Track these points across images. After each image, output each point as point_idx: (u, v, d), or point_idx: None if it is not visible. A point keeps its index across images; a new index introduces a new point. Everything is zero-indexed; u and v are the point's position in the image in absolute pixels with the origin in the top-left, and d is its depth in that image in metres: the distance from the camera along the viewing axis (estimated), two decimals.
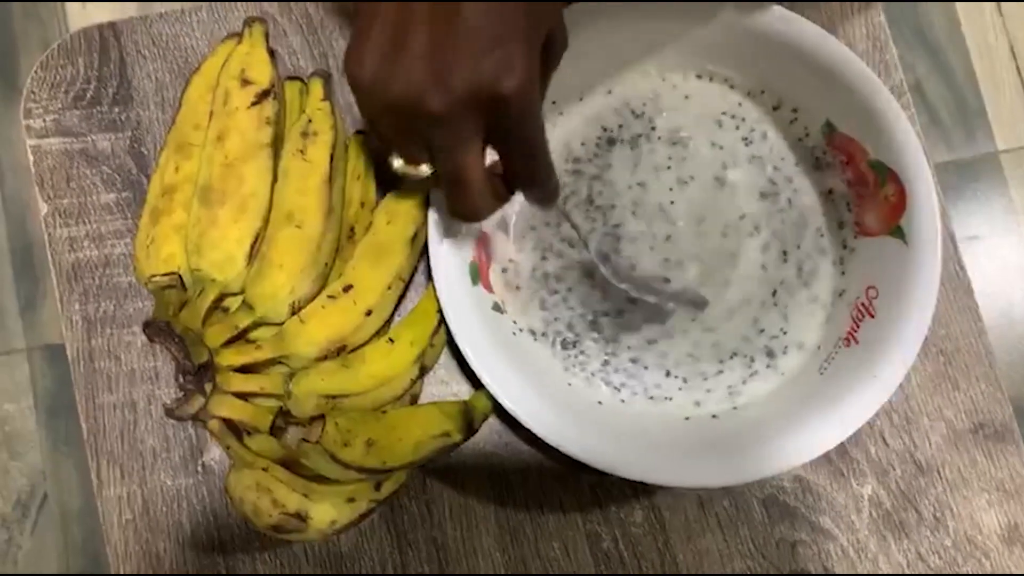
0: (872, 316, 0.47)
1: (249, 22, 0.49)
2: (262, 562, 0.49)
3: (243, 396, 0.44)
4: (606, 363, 0.50)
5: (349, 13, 0.53)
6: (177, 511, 0.49)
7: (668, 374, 0.49)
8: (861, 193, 0.49)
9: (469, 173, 0.37)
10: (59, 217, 0.52)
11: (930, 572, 0.50)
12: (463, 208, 0.39)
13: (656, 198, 0.51)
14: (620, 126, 0.51)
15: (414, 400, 0.49)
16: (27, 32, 1.10)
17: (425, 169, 0.39)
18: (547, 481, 0.50)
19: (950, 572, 0.50)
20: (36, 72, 0.53)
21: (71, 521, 1.01)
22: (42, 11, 1.11)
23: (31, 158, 0.52)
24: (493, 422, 0.50)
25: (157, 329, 0.42)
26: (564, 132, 0.51)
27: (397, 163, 0.39)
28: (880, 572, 0.50)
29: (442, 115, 0.34)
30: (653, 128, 0.51)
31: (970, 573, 0.50)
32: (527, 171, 0.38)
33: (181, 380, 0.43)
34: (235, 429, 0.44)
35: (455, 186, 0.38)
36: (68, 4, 1.11)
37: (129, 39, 0.53)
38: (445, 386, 0.51)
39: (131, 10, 1.11)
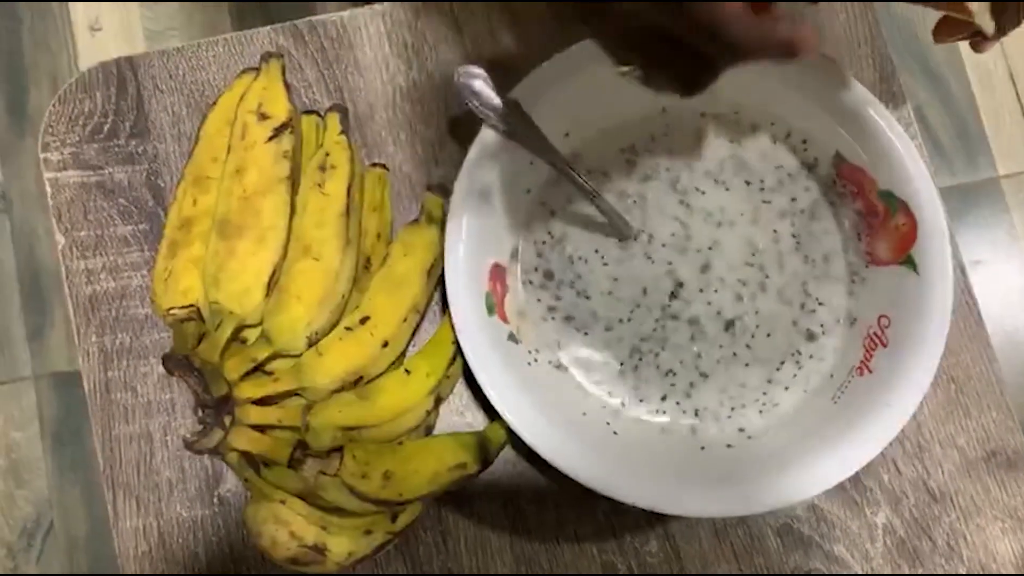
0: (885, 345, 0.48)
1: (266, 57, 0.50)
2: None
3: (261, 428, 0.44)
4: (621, 393, 0.50)
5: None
6: (193, 543, 0.49)
7: (684, 402, 0.50)
8: (871, 223, 0.50)
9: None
10: (76, 249, 0.52)
11: None
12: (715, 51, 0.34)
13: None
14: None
15: (429, 431, 0.49)
16: (37, 64, 1.11)
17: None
18: (562, 511, 0.50)
19: None
20: (54, 106, 0.53)
21: (77, 549, 1.01)
22: (52, 43, 1.12)
23: (48, 191, 0.53)
24: (508, 453, 0.51)
25: (176, 363, 0.43)
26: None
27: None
28: None
29: None
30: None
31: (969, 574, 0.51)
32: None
33: (200, 414, 0.43)
34: (253, 462, 0.44)
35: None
36: (78, 36, 1.12)
37: (146, 73, 0.54)
38: (460, 416, 0.51)
39: (139, 39, 1.12)
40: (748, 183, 0.52)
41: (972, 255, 1.07)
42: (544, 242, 0.51)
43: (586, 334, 0.50)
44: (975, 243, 1.08)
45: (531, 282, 0.51)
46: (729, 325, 0.50)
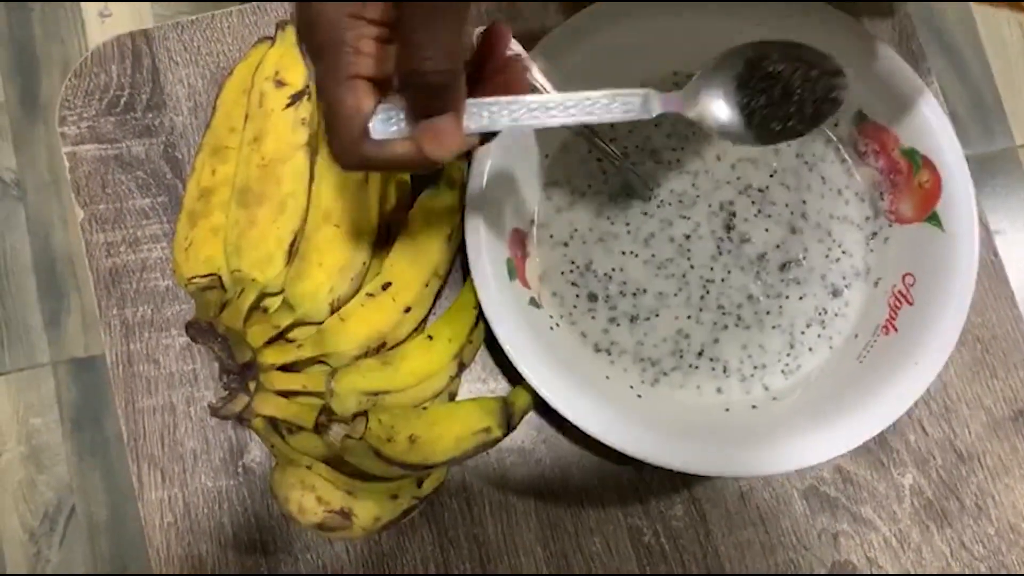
0: (910, 303, 0.47)
1: (281, 24, 0.49)
2: (304, 563, 0.49)
3: (286, 395, 0.44)
4: (642, 356, 0.49)
5: None
6: (219, 513, 0.49)
7: (706, 364, 0.49)
8: (895, 181, 0.49)
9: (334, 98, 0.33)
10: (95, 223, 0.52)
11: (975, 560, 0.50)
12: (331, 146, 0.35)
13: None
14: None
15: (452, 397, 0.49)
16: (49, 53, 1.11)
17: None
18: (587, 476, 0.50)
19: (994, 560, 0.50)
20: (70, 80, 0.53)
21: (99, 533, 1.02)
22: (62, 32, 1.12)
23: (67, 164, 0.53)
24: (532, 418, 0.50)
25: (200, 330, 0.43)
26: None
27: None
28: (923, 561, 0.50)
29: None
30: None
31: (984, 574, 0.50)
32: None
33: (224, 379, 0.43)
34: (278, 427, 0.44)
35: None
36: (88, 23, 1.12)
37: (161, 45, 0.54)
38: (483, 383, 0.51)
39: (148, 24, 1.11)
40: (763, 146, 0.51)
41: (991, 225, 1.06)
42: (562, 208, 0.51)
43: (607, 297, 0.50)
44: (994, 213, 1.07)
45: (551, 247, 0.51)
46: (751, 293, 0.50)
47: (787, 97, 0.41)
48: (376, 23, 0.32)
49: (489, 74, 0.36)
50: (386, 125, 0.33)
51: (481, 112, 0.35)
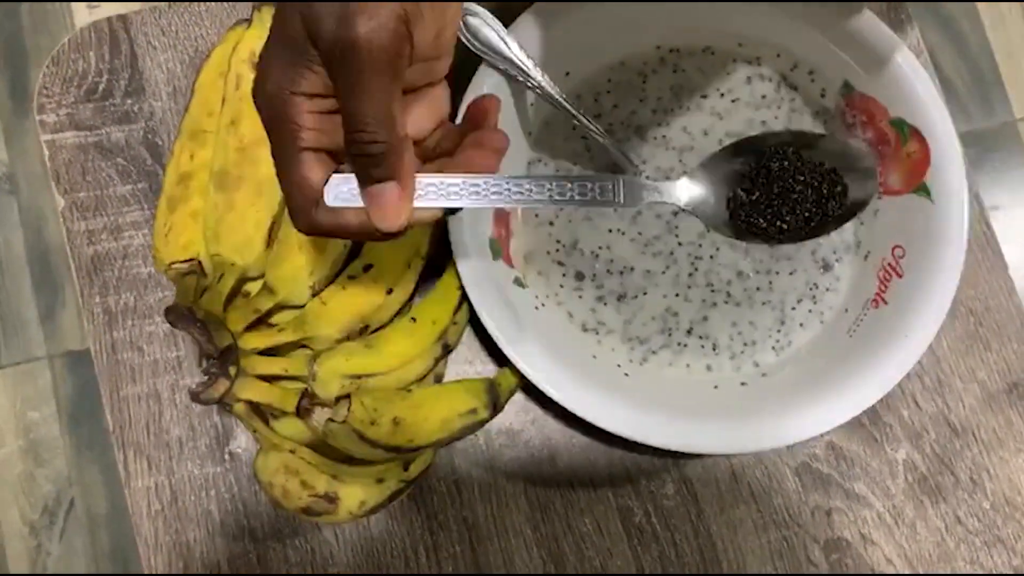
0: (900, 276, 0.47)
1: (257, 6, 0.49)
2: (293, 548, 0.49)
3: (268, 379, 0.44)
4: (630, 335, 0.49)
5: None
6: (206, 500, 0.49)
7: (694, 341, 0.49)
8: (883, 152, 0.48)
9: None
10: (76, 211, 0.51)
11: (970, 534, 0.49)
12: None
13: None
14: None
15: (439, 380, 0.49)
16: (38, 45, 1.11)
17: None
18: (576, 457, 0.50)
19: (989, 534, 0.49)
20: (48, 67, 0.53)
21: (99, 525, 1.02)
22: (51, 24, 1.11)
23: (46, 152, 0.52)
24: (519, 399, 0.50)
25: (179, 315, 0.42)
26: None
27: None
28: (918, 536, 0.49)
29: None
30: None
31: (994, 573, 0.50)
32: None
33: (205, 365, 0.42)
34: (260, 412, 0.44)
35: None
36: (76, 14, 1.11)
37: (139, 31, 0.53)
38: (469, 365, 0.50)
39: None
40: (751, 118, 0.50)
41: (990, 200, 1.05)
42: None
43: (594, 276, 0.49)
44: (993, 189, 1.06)
45: (536, 226, 0.50)
46: (740, 269, 0.49)
47: (784, 196, 0.41)
48: (317, 96, 0.32)
49: (466, 146, 0.36)
50: (341, 193, 0.33)
51: (439, 190, 0.34)
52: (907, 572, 0.49)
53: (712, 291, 0.49)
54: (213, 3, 0.53)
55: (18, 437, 1.03)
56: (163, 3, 0.53)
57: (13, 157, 1.09)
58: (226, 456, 0.49)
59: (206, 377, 0.42)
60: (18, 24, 1.11)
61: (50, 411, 1.04)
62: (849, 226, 0.50)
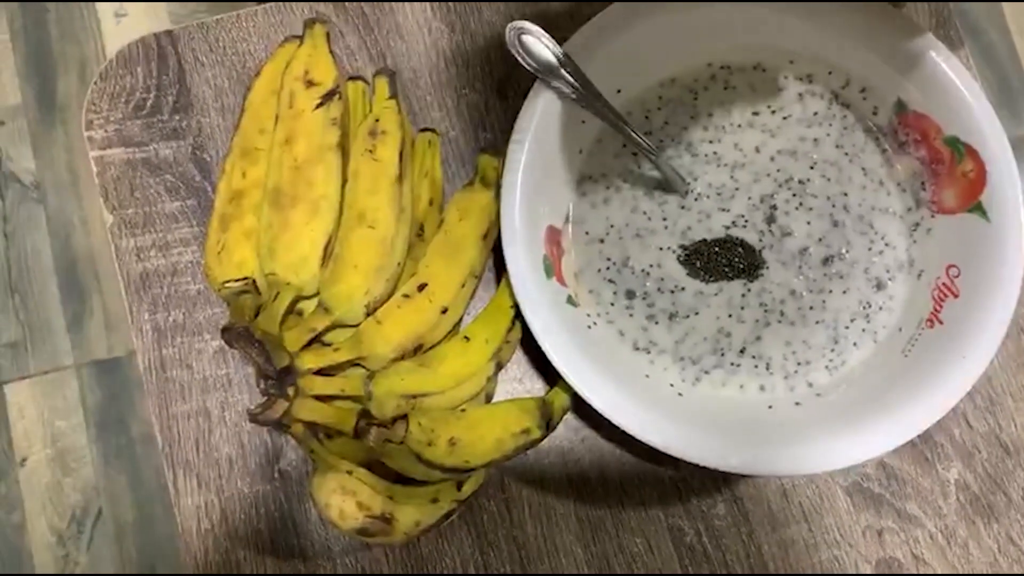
0: (956, 296, 0.46)
1: (309, 23, 0.49)
2: (343, 567, 0.48)
3: (324, 399, 0.43)
4: (682, 354, 0.49)
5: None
6: (256, 519, 0.49)
7: (748, 362, 0.49)
8: (936, 171, 0.48)
9: None
10: (125, 227, 0.51)
11: (1022, 556, 0.49)
12: None
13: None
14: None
15: (489, 399, 0.49)
16: (65, 54, 1.11)
17: None
18: (627, 476, 0.49)
19: None
20: (96, 83, 0.53)
21: (126, 535, 1.02)
22: (79, 32, 1.11)
23: (94, 169, 0.52)
24: (570, 419, 0.50)
25: (236, 334, 0.42)
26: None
27: None
28: (970, 557, 0.49)
29: None
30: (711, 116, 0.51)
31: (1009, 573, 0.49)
32: None
33: (263, 385, 0.42)
34: (316, 432, 0.44)
35: None
36: (104, 23, 1.12)
37: (186, 46, 0.53)
38: (520, 384, 0.50)
39: (164, 24, 1.11)
40: (803, 138, 0.50)
41: None
42: (597, 203, 0.50)
43: (645, 294, 0.49)
44: None
45: (587, 243, 0.50)
46: (793, 288, 0.49)
47: None
48: None
49: None
50: None
51: None
52: None
53: (765, 311, 0.49)
54: (261, 20, 0.53)
55: (46, 446, 1.03)
56: (209, 19, 0.53)
57: (41, 166, 1.09)
58: (276, 474, 0.49)
59: (264, 398, 0.42)
60: (46, 33, 1.11)
61: (77, 420, 1.04)
62: (902, 243, 0.49)
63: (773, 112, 0.51)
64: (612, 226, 0.50)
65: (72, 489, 1.02)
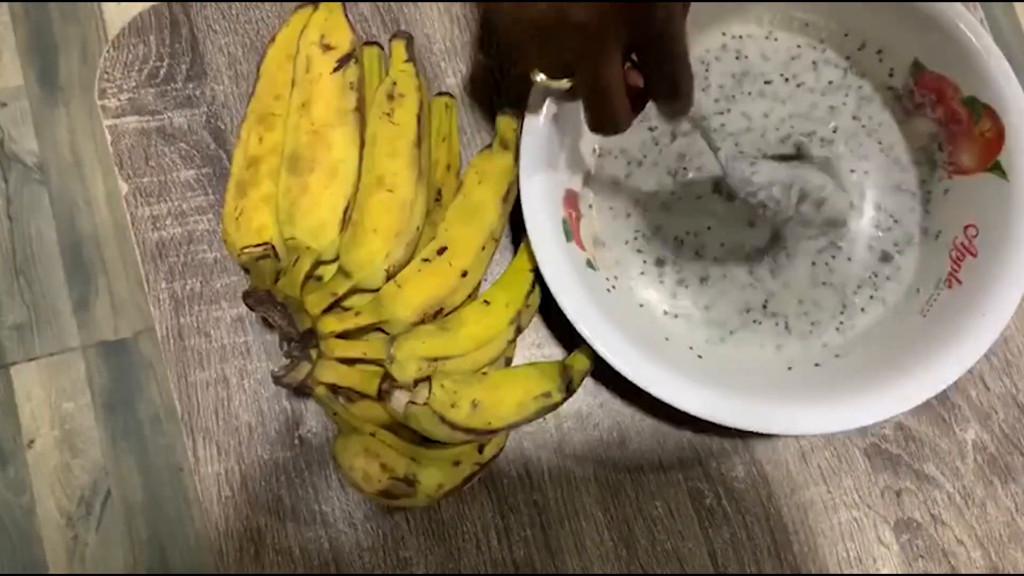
0: (974, 255, 0.46)
1: None
2: (364, 532, 0.48)
3: (347, 362, 0.43)
4: (712, 318, 0.49)
5: None
6: (276, 485, 0.49)
7: (772, 318, 0.49)
8: (953, 132, 0.48)
9: (611, 83, 0.37)
10: (140, 196, 0.51)
11: None
12: (604, 119, 0.39)
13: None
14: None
15: (508, 363, 0.49)
16: (67, 35, 1.10)
17: (566, 82, 0.39)
18: (645, 440, 0.50)
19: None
20: (108, 52, 0.52)
21: (135, 515, 1.02)
22: (80, 12, 1.11)
23: (108, 138, 0.52)
24: (588, 383, 0.50)
25: (259, 298, 0.42)
26: None
27: (539, 77, 0.39)
28: (988, 516, 0.49)
29: (586, 25, 0.34)
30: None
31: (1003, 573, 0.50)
32: (669, 80, 0.38)
33: (286, 348, 0.42)
34: (339, 395, 0.44)
35: (597, 97, 0.38)
36: (105, 3, 1.11)
37: (199, 14, 0.53)
38: (538, 349, 0.50)
39: None
40: (816, 104, 0.50)
41: None
42: (619, 179, 0.50)
43: (675, 261, 0.49)
44: None
45: (612, 217, 0.50)
46: (805, 250, 0.49)
47: None
48: None
49: None
50: None
51: None
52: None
53: (782, 269, 0.49)
54: None
55: (53, 428, 1.03)
56: None
57: (44, 147, 1.08)
58: (296, 441, 0.49)
59: (287, 360, 0.42)
60: (47, 15, 1.10)
61: (85, 401, 1.04)
62: (912, 219, 0.49)
63: (786, 80, 0.50)
64: (637, 200, 0.50)
65: (80, 470, 1.02)
